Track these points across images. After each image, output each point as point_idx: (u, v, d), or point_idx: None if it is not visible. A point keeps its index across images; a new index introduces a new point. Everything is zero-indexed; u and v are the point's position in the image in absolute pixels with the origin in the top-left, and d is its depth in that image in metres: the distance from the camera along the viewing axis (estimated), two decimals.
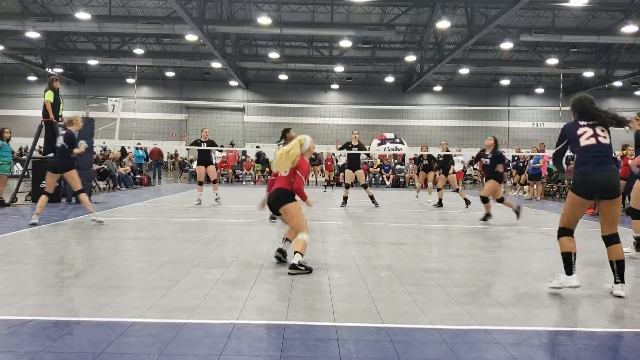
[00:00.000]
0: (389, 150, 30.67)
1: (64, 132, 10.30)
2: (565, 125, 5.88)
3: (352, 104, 38.80)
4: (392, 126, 36.41)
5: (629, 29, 25.19)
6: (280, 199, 6.34)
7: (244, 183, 27.58)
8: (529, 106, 39.77)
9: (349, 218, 12.10)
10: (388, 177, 28.05)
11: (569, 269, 5.32)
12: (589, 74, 35.24)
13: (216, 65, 34.51)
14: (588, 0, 23.85)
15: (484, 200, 11.93)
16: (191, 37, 28.53)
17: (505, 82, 39.26)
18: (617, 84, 36.49)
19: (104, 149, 26.57)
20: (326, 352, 3.69)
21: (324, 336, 4.00)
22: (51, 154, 14.00)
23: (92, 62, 35.81)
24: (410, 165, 29.16)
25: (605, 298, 5.40)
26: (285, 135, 10.82)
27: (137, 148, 25.25)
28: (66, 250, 7.32)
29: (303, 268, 6.00)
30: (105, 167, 20.01)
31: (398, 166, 29.11)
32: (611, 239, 5.45)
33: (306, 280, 5.74)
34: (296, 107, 35.55)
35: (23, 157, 27.81)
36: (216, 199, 14.69)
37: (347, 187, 15.30)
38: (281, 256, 6.58)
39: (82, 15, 25.31)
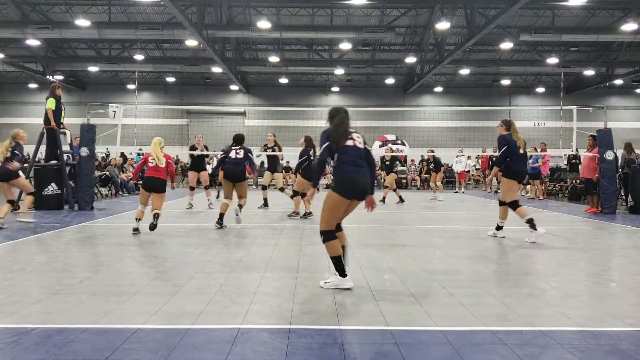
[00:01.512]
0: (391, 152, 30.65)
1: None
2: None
3: (353, 106, 38.68)
4: (393, 128, 36.36)
5: (629, 26, 25.16)
6: None
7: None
8: (529, 106, 39.69)
9: (351, 221, 12.08)
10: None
11: (342, 271, 5.53)
12: (589, 72, 35.18)
13: (216, 70, 34.51)
14: None
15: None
16: (191, 43, 28.54)
17: (505, 82, 39.21)
18: (618, 82, 36.44)
19: (107, 156, 26.57)
20: (331, 355, 3.68)
21: (329, 340, 3.99)
22: (53, 161, 14.06)
23: (93, 68, 35.83)
24: (413, 167, 29.16)
25: (611, 297, 5.39)
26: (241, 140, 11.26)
27: (138, 154, 25.25)
28: (69, 257, 7.32)
29: None
30: (107, 173, 20.03)
31: (400, 167, 29.06)
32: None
33: (309, 283, 5.73)
34: (297, 110, 35.52)
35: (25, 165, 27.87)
36: (209, 205, 14.81)
37: (264, 188, 15.34)
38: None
39: (82, 22, 25.32)
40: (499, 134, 9.44)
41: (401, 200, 17.69)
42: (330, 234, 5.58)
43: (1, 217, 10.28)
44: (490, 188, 24.86)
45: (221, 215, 10.70)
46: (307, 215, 12.43)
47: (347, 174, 5.54)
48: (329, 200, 5.59)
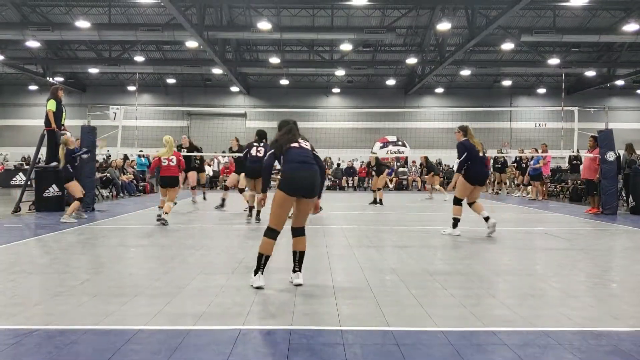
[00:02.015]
0: (392, 154, 30.64)
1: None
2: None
3: (354, 107, 38.77)
4: (394, 129, 36.21)
5: (630, 27, 25.15)
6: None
7: (247, 189, 27.50)
8: (531, 106, 39.69)
9: (352, 221, 12.10)
10: (391, 180, 28.03)
11: (256, 269, 5.63)
12: (590, 73, 35.16)
13: (217, 71, 34.52)
14: (588, 0, 23.81)
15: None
16: (191, 44, 28.54)
17: (506, 82, 39.18)
18: (619, 82, 36.42)
19: (108, 157, 26.57)
20: (332, 356, 3.68)
21: (330, 340, 3.99)
22: (54, 163, 14.06)
23: (93, 70, 35.83)
24: (414, 168, 29.17)
25: (612, 297, 5.39)
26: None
27: (139, 155, 25.27)
28: (70, 258, 7.32)
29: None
30: (108, 175, 20.04)
31: (401, 169, 29.08)
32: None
33: (311, 284, 5.74)
34: (298, 111, 35.42)
35: (26, 167, 27.90)
36: (192, 200, 15.21)
37: (226, 189, 15.47)
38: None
39: (82, 23, 25.34)
40: (457, 140, 9.93)
41: (379, 203, 17.54)
42: (269, 232, 5.69)
43: (67, 213, 11.56)
44: (493, 189, 24.86)
45: (258, 212, 11.57)
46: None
47: (288, 171, 5.66)
48: (274, 197, 5.70)
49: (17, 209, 13.33)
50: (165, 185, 11.57)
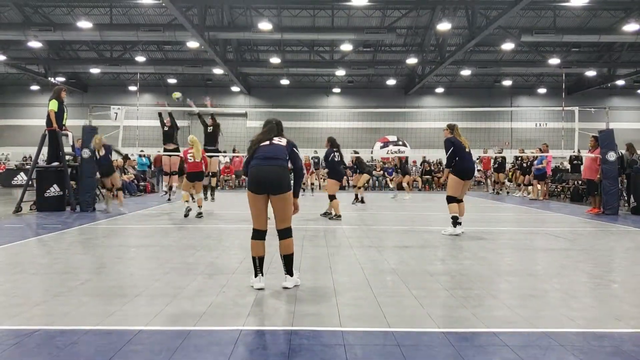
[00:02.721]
0: (392, 153, 30.61)
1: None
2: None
3: (354, 107, 38.79)
4: (394, 129, 36.27)
5: (630, 27, 25.16)
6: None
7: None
8: (531, 106, 39.70)
9: (353, 222, 12.09)
10: (391, 180, 27.98)
11: (255, 272, 5.61)
12: (591, 73, 35.17)
13: (218, 71, 34.54)
14: (589, 0, 23.81)
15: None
16: (192, 44, 28.56)
17: (507, 82, 39.20)
18: (620, 82, 36.43)
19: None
20: (333, 357, 3.68)
21: (331, 341, 3.99)
22: (55, 163, 14.07)
23: (94, 70, 35.87)
24: (414, 168, 29.15)
25: (613, 298, 5.38)
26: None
27: (140, 155, 25.25)
28: (71, 258, 7.32)
29: None
30: None
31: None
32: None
33: (312, 285, 5.74)
34: (298, 111, 35.46)
35: (27, 166, 27.89)
36: (168, 199, 16.43)
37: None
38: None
39: (84, 24, 25.38)
40: (445, 137, 10.26)
41: (360, 201, 18.02)
42: (253, 234, 5.68)
43: (118, 203, 13.88)
44: (494, 189, 24.86)
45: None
46: (338, 217, 12.58)
47: (251, 168, 5.62)
48: (247, 198, 5.68)
49: (18, 209, 13.34)
50: (192, 179, 12.80)
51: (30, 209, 13.78)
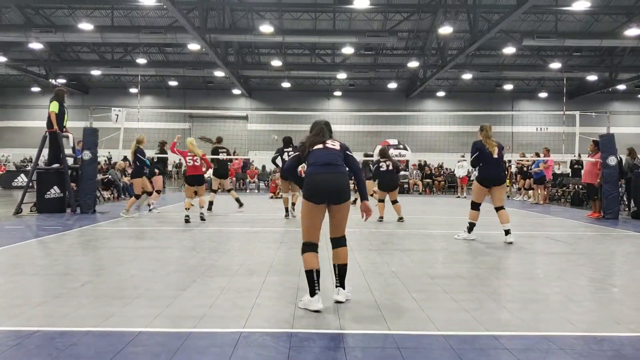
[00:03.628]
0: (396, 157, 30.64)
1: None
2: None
3: (355, 110, 38.83)
4: (395, 132, 36.39)
5: (632, 32, 25.18)
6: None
7: (247, 191, 27.53)
8: (532, 110, 39.73)
9: (354, 225, 12.08)
10: None
11: (311, 290, 4.91)
12: (592, 77, 35.22)
13: (219, 74, 34.60)
14: (591, 4, 23.85)
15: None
16: (194, 47, 28.61)
17: (508, 86, 39.24)
18: (621, 87, 36.47)
19: (109, 159, 26.58)
20: (333, 359, 3.68)
21: (331, 344, 3.99)
22: (56, 165, 14.06)
23: (95, 72, 35.94)
24: (415, 171, 29.14)
25: (613, 302, 5.37)
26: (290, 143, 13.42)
27: None
28: (72, 260, 7.32)
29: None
30: (110, 177, 20.05)
31: (402, 172, 29.02)
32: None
33: None
34: (299, 114, 35.56)
35: (28, 168, 27.90)
36: (148, 205, 14.84)
37: (214, 192, 15.53)
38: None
39: (85, 25, 25.42)
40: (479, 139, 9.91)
41: (352, 203, 17.91)
42: (305, 247, 5.11)
43: (148, 204, 14.36)
44: None
45: (286, 209, 13.54)
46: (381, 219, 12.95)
47: (309, 175, 5.11)
48: (302, 209, 5.20)
49: (18, 211, 13.34)
50: (192, 183, 12.55)
51: (31, 211, 13.77)
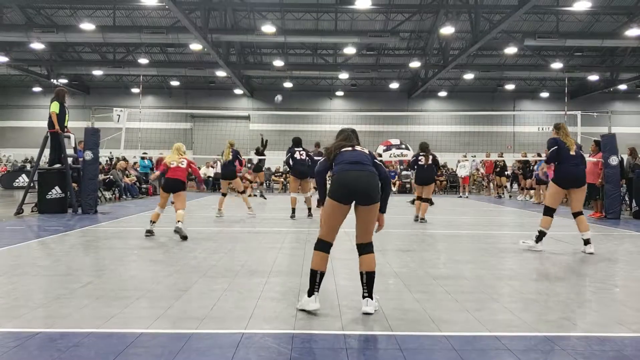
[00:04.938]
0: (395, 157, 30.61)
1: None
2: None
3: (357, 110, 38.82)
4: (397, 132, 36.33)
5: (633, 32, 25.16)
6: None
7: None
8: (534, 110, 39.67)
9: (354, 225, 12.07)
10: (394, 184, 27.97)
11: (310, 289, 4.85)
12: (593, 77, 35.19)
13: (221, 74, 34.57)
14: (592, 4, 23.82)
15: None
16: (195, 46, 28.60)
17: (510, 86, 39.20)
18: (622, 87, 36.42)
19: (111, 159, 26.60)
20: None
21: (333, 345, 3.99)
22: (57, 165, 14.07)
23: (97, 72, 35.92)
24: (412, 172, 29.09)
25: (615, 303, 5.37)
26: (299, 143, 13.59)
27: (142, 158, 25.29)
28: (73, 261, 7.32)
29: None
30: (111, 177, 20.05)
31: (404, 172, 29.03)
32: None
33: None
34: (301, 114, 35.57)
35: (29, 169, 27.92)
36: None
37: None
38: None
39: (87, 25, 25.41)
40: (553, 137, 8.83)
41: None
42: (318, 245, 4.97)
43: (219, 208, 13.58)
44: (497, 193, 24.86)
45: (293, 210, 13.38)
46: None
47: (337, 172, 4.94)
48: (324, 206, 5.04)
49: (19, 211, 13.34)
50: (168, 189, 10.11)
51: (32, 211, 13.78)
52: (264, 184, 27.43)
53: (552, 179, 8.80)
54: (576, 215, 8.58)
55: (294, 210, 13.43)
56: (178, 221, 9.60)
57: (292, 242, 9.37)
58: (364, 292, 4.86)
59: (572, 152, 8.47)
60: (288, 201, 14.10)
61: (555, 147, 8.49)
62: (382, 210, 5.15)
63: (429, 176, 13.10)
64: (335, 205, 4.89)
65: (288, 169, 14.60)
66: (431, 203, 13.33)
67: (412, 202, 16.62)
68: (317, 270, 4.87)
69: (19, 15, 28.61)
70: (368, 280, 4.85)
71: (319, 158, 13.56)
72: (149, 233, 9.77)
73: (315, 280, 4.85)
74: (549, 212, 8.58)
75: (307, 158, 13.46)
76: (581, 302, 5.29)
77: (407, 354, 3.78)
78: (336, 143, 5.20)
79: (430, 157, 13.05)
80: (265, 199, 21.12)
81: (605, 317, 4.81)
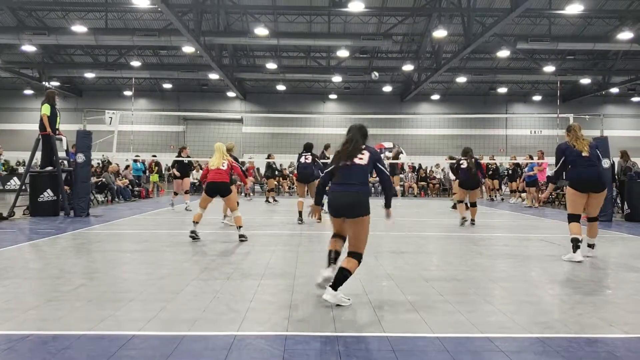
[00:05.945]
0: (387, 159, 30.64)
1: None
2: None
3: (351, 113, 38.83)
4: (390, 135, 36.43)
5: (625, 35, 25.29)
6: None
7: (242, 194, 27.44)
8: (526, 114, 39.83)
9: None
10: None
11: (328, 263, 5.56)
12: (585, 81, 35.37)
13: (213, 76, 34.53)
14: (584, 8, 23.94)
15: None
16: (188, 49, 28.58)
17: (502, 90, 39.34)
18: (614, 90, 36.59)
19: (103, 162, 26.51)
20: None
21: (325, 347, 3.98)
22: (49, 167, 14.01)
23: (89, 75, 35.80)
24: (410, 174, 29.15)
25: (607, 304, 5.38)
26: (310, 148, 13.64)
27: (135, 160, 25.21)
28: (65, 263, 7.28)
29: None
30: (104, 179, 19.97)
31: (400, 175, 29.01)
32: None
33: (306, 290, 5.72)
34: (294, 117, 35.60)
35: (20, 171, 27.79)
36: (186, 208, 16.09)
37: None
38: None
39: (79, 28, 25.32)
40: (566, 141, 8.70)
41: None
42: (332, 237, 5.70)
43: (225, 215, 12.74)
44: (490, 196, 24.91)
45: (300, 213, 12.94)
46: (465, 221, 12.91)
47: (329, 191, 5.61)
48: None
49: (11, 214, 13.27)
50: (213, 193, 9.92)
51: (24, 214, 13.71)
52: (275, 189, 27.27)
53: (568, 184, 8.35)
54: (590, 220, 8.32)
55: (300, 213, 12.97)
56: (239, 227, 9.70)
57: (286, 245, 9.35)
58: (331, 284, 5.19)
59: (585, 154, 8.18)
60: (292, 205, 14.12)
61: (562, 158, 8.38)
62: (387, 205, 5.72)
63: (476, 181, 13.08)
64: (332, 217, 5.59)
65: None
66: (454, 207, 13.36)
67: (454, 206, 16.76)
68: (332, 249, 5.58)
69: (10, 18, 28.51)
70: (339, 275, 5.19)
71: (324, 161, 13.65)
72: (193, 234, 9.58)
73: (331, 256, 5.53)
74: (573, 218, 8.18)
75: (312, 162, 13.45)
76: (573, 304, 5.30)
77: (400, 355, 3.79)
78: (337, 155, 5.62)
79: (473, 160, 12.95)
80: (277, 202, 21.48)
81: (597, 318, 4.83)
